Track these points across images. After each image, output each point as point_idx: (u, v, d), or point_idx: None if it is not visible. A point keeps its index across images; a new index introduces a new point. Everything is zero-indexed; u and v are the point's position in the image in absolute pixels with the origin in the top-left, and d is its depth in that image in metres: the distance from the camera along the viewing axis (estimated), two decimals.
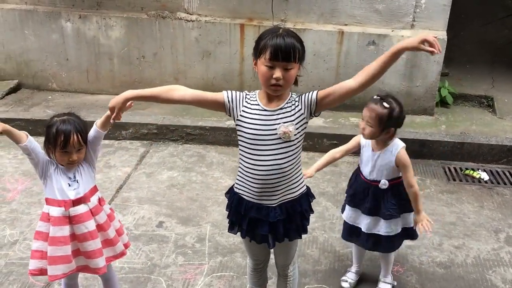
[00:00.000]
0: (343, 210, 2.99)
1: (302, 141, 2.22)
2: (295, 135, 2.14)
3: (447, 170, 4.52)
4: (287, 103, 2.15)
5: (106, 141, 4.91)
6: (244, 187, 2.27)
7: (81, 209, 2.41)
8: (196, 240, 3.44)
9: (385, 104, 2.58)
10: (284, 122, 2.13)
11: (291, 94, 2.19)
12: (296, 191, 2.28)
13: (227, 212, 2.40)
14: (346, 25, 5.15)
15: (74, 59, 5.58)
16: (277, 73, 2.04)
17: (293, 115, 2.14)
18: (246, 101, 2.19)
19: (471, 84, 5.92)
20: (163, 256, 3.27)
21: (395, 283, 3.04)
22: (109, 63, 5.54)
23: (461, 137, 4.78)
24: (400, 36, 5.01)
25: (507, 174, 4.47)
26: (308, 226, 2.40)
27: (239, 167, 2.28)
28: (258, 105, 2.17)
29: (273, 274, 3.00)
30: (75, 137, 2.33)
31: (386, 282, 3.00)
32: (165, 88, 2.24)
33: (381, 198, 2.75)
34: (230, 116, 2.22)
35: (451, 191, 4.16)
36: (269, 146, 2.15)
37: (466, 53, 6.64)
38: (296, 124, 2.14)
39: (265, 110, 2.15)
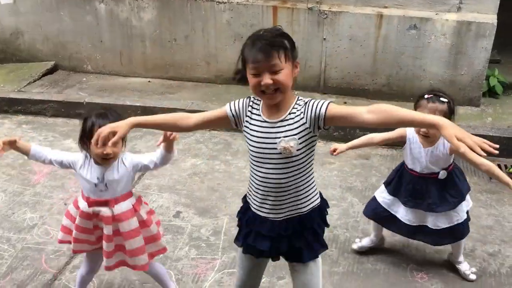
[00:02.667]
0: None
1: (311, 156, 1.97)
2: (298, 150, 1.90)
3: None
4: (289, 113, 1.91)
5: None
6: (250, 196, 2.09)
7: (104, 211, 2.40)
8: (211, 233, 3.33)
9: (443, 99, 2.60)
10: (285, 136, 1.89)
11: (297, 101, 1.93)
12: (305, 206, 2.04)
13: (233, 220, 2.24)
14: (385, 7, 4.82)
15: (108, 41, 5.57)
16: (265, 79, 1.81)
17: (295, 128, 1.89)
18: (249, 110, 1.99)
19: None
20: (176, 249, 3.19)
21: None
22: (141, 45, 5.48)
23: (509, 131, 4.40)
24: (444, 20, 4.64)
25: None
26: (324, 236, 2.15)
27: (250, 174, 2.08)
28: (260, 115, 1.96)
29: None
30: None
31: (463, 262, 2.97)
32: (173, 117, 2.07)
33: (443, 188, 2.75)
34: (237, 128, 2.03)
35: (492, 191, 3.83)
36: (270, 161, 1.93)
37: None
38: (299, 138, 1.89)
39: (266, 121, 1.93)
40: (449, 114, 2.59)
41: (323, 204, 2.14)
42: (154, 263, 2.64)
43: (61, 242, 2.61)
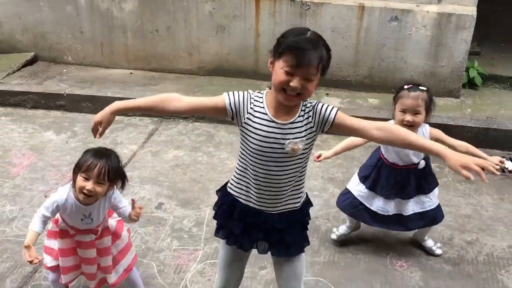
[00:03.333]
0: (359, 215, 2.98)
1: (310, 153, 2.00)
2: (303, 149, 1.92)
3: None
4: (299, 116, 1.90)
5: (116, 117, 4.81)
6: (242, 190, 2.05)
7: (87, 238, 2.42)
8: (194, 224, 3.33)
9: (422, 88, 2.67)
10: (294, 139, 1.88)
11: (304, 103, 1.92)
12: (299, 201, 2.07)
13: (214, 212, 2.21)
14: None
15: (89, 32, 5.50)
16: (296, 83, 1.76)
17: (304, 131, 1.90)
18: (251, 107, 1.91)
19: (504, 65, 5.52)
20: (158, 240, 3.19)
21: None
22: (122, 36, 5.42)
23: (487, 122, 4.47)
24: (425, 11, 4.68)
25: None
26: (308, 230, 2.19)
27: (238, 168, 2.05)
28: (266, 114, 1.89)
29: (248, 278, 2.90)
30: (102, 168, 2.24)
31: (427, 239, 3.07)
32: (159, 98, 1.96)
33: (421, 176, 2.83)
34: (232, 121, 1.96)
35: (471, 181, 3.84)
36: (274, 159, 1.92)
37: (502, 30, 6.20)
38: (306, 140, 1.91)
39: (274, 122, 1.88)
40: (429, 101, 2.67)
41: (308, 199, 2.17)
42: (132, 273, 2.65)
43: (49, 268, 2.52)
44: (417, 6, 4.73)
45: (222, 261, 2.24)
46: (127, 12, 5.29)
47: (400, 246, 3.14)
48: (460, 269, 2.99)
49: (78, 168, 2.29)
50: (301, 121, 1.90)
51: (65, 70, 5.62)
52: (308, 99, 1.92)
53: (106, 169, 2.25)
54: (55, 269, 2.51)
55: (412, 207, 2.88)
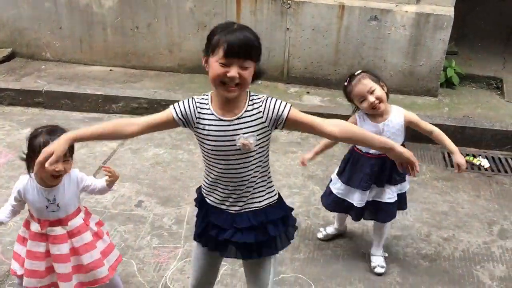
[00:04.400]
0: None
1: (267, 150, 1.99)
2: (256, 145, 1.91)
3: (446, 155, 4.31)
4: (246, 110, 1.90)
5: (95, 114, 4.81)
6: (206, 189, 2.07)
7: (58, 231, 2.33)
8: (174, 222, 3.33)
9: (356, 73, 2.70)
10: (244, 133, 1.88)
11: (250, 97, 1.93)
12: (261, 201, 2.03)
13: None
14: None
15: (67, 28, 5.44)
16: (233, 72, 1.78)
17: (254, 125, 1.89)
18: (198, 111, 1.92)
19: (480, 64, 5.64)
20: (137, 238, 3.17)
21: (386, 254, 3.02)
22: (102, 33, 5.38)
23: (464, 120, 4.55)
24: (404, 11, 4.74)
25: (510, 161, 4.25)
26: (287, 247, 2.14)
27: (204, 168, 2.05)
28: (213, 114, 1.90)
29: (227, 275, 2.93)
30: None
31: (377, 255, 2.98)
32: (112, 126, 1.94)
33: (392, 168, 2.70)
34: (186, 128, 1.97)
35: (447, 178, 3.97)
36: (228, 157, 1.92)
37: (479, 30, 6.33)
38: (257, 135, 1.90)
39: (221, 120, 1.89)
40: (374, 76, 2.67)
41: (282, 204, 2.12)
42: (115, 276, 2.58)
43: (14, 274, 2.44)
44: (396, 6, 4.79)
45: (196, 267, 2.23)
46: (107, 8, 5.24)
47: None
48: (437, 265, 3.04)
49: (34, 153, 2.15)
50: (250, 116, 1.90)
51: (43, 67, 5.55)
52: (254, 94, 1.94)
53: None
54: (20, 276, 2.41)
55: (376, 196, 2.82)
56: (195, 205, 2.18)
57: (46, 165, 1.80)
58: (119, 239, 3.15)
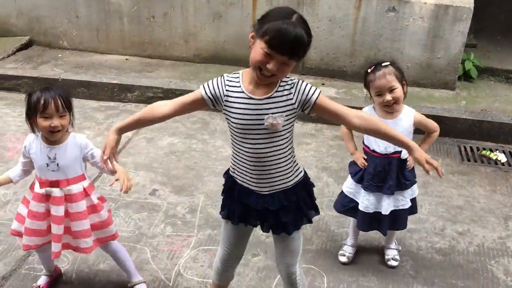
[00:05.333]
0: (341, 206, 2.89)
1: (292, 131, 2.02)
2: (283, 126, 1.93)
3: (462, 149, 4.26)
4: (276, 91, 1.91)
5: (112, 103, 4.84)
6: (237, 171, 2.09)
7: (55, 192, 2.38)
8: (187, 211, 3.35)
9: (385, 63, 2.58)
10: (273, 113, 1.90)
11: (284, 77, 1.93)
12: (290, 180, 2.06)
13: (223, 195, 2.22)
14: None
15: (85, 17, 5.46)
16: (272, 65, 1.78)
17: (283, 106, 1.91)
18: (227, 89, 1.94)
19: (499, 58, 5.55)
20: (151, 226, 3.20)
21: (400, 247, 3.01)
22: (119, 22, 5.40)
23: (481, 114, 4.49)
24: (423, 3, 4.67)
25: None
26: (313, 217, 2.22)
27: (232, 150, 2.08)
28: (243, 92, 1.91)
29: (241, 265, 2.92)
30: (57, 100, 2.24)
31: (392, 248, 2.96)
32: (146, 109, 2.03)
33: (400, 170, 2.68)
34: (215, 108, 2.00)
35: (463, 172, 3.92)
36: (256, 136, 1.94)
37: (499, 23, 6.21)
38: (286, 116, 1.92)
39: (251, 98, 1.91)
40: (399, 73, 2.56)
41: (306, 180, 2.17)
42: (112, 243, 2.60)
43: (13, 233, 2.54)
44: None
45: (225, 240, 2.27)
46: None
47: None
48: (451, 259, 3.02)
49: (32, 111, 2.26)
50: (280, 96, 1.91)
51: (60, 55, 5.60)
52: (286, 77, 1.94)
53: (60, 100, 2.25)
54: (17, 234, 2.52)
55: (389, 205, 2.73)
56: (223, 190, 2.19)
57: (104, 157, 2.00)
58: (133, 226, 3.18)
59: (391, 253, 2.95)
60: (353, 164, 2.84)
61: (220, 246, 2.33)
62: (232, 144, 2.05)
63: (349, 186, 2.85)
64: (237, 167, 2.07)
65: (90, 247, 2.47)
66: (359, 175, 2.77)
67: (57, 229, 2.41)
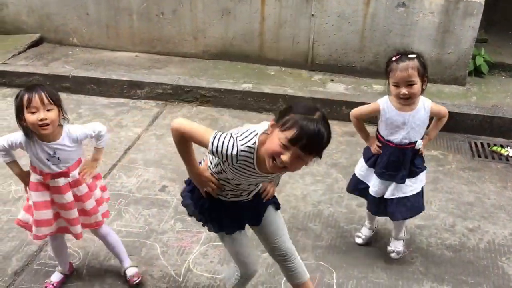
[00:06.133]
0: (356, 187, 2.92)
1: None
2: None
3: (473, 145, 4.23)
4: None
5: (122, 100, 4.86)
6: (221, 195, 2.18)
7: (60, 182, 2.42)
8: None
9: (411, 56, 2.49)
10: (270, 181, 2.18)
11: None
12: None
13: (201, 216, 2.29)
14: None
15: (94, 14, 5.48)
16: (287, 157, 1.78)
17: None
18: (236, 162, 1.90)
19: (511, 53, 5.48)
20: (161, 222, 3.22)
21: (408, 236, 3.03)
22: (128, 19, 5.41)
23: (492, 110, 4.45)
24: None
25: None
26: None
27: (212, 170, 2.15)
28: (254, 168, 1.93)
29: None
30: (40, 94, 2.26)
31: (398, 239, 2.94)
32: (186, 145, 2.10)
33: (413, 159, 2.70)
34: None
35: (474, 169, 3.90)
36: (248, 183, 2.10)
37: (510, 18, 6.13)
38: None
39: (259, 174, 1.97)
40: (422, 68, 2.49)
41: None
42: (104, 228, 2.67)
43: (18, 223, 2.56)
44: None
45: (236, 252, 2.28)
46: None
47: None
48: (461, 255, 3.00)
49: (19, 111, 2.29)
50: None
51: (70, 52, 5.62)
52: None
53: (45, 93, 2.26)
54: (23, 224, 2.54)
55: (396, 191, 2.74)
56: (201, 211, 2.26)
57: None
58: (143, 222, 3.20)
59: (395, 245, 2.92)
60: (367, 149, 2.85)
61: (235, 265, 2.35)
62: (217, 168, 2.06)
63: (361, 169, 2.87)
64: (220, 193, 2.15)
65: (102, 220, 2.61)
66: (372, 160, 2.79)
67: (72, 213, 2.47)
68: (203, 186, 2.13)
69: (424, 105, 2.61)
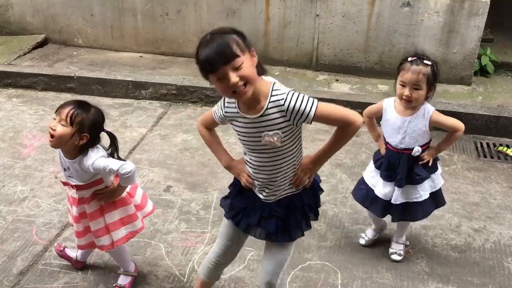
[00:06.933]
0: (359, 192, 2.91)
1: (297, 142, 1.97)
2: (283, 142, 1.90)
3: (478, 145, 4.21)
4: (267, 108, 1.84)
5: (126, 100, 4.87)
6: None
7: (71, 192, 2.47)
8: (201, 207, 3.36)
9: (427, 62, 2.48)
10: (269, 131, 1.87)
11: (273, 92, 1.85)
12: (297, 189, 2.08)
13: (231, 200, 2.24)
14: None
15: (99, 15, 5.50)
16: (232, 79, 1.71)
17: (278, 123, 1.86)
18: (226, 110, 1.97)
19: None
20: (166, 222, 3.22)
21: (408, 243, 2.99)
22: (133, 19, 5.42)
23: (498, 110, 4.43)
24: None
25: None
26: (312, 222, 2.20)
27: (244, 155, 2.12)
28: (238, 112, 1.92)
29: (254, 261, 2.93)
30: (70, 110, 2.24)
31: (399, 242, 2.95)
32: (204, 135, 2.26)
33: (411, 165, 2.68)
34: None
35: (480, 169, 3.88)
36: (259, 151, 1.95)
37: None
38: (282, 132, 1.87)
39: (246, 117, 1.89)
40: (433, 77, 2.48)
41: (316, 185, 2.15)
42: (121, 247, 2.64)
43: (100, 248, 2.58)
44: None
45: (222, 237, 2.28)
46: None
47: (407, 233, 3.14)
48: (467, 256, 2.99)
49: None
50: (272, 114, 1.85)
51: (75, 53, 5.65)
52: (278, 88, 1.86)
53: (73, 112, 2.24)
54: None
55: (398, 196, 2.74)
56: (232, 187, 2.24)
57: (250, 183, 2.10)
58: (148, 222, 3.19)
59: (396, 247, 2.93)
60: (377, 152, 2.86)
61: (216, 241, 2.33)
62: (244, 152, 2.07)
63: (370, 172, 2.87)
64: (250, 173, 2.08)
65: (107, 245, 2.52)
66: (379, 162, 2.80)
67: (76, 226, 2.52)
68: (237, 176, 2.15)
69: (425, 113, 2.58)
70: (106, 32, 5.58)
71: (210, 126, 2.20)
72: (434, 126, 2.64)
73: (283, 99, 1.83)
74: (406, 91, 2.49)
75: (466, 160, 4.00)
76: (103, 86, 4.91)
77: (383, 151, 2.76)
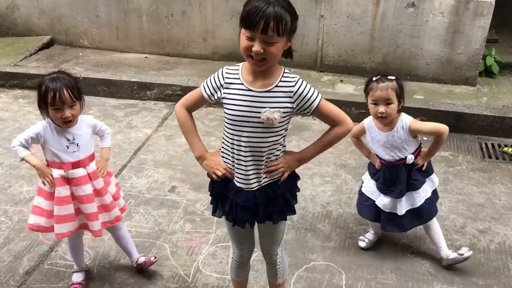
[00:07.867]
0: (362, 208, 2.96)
1: (287, 126, 2.01)
2: (279, 122, 1.93)
3: (483, 146, 4.20)
4: (277, 85, 1.90)
5: (131, 101, 4.90)
6: (229, 165, 2.07)
7: (79, 172, 2.45)
8: (206, 208, 3.37)
9: (391, 77, 2.61)
10: (271, 108, 1.89)
11: (284, 73, 1.93)
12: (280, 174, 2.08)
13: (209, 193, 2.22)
14: None
15: (104, 16, 5.53)
16: (256, 46, 1.76)
17: (282, 102, 1.90)
18: (226, 82, 1.94)
19: None
20: (171, 222, 3.23)
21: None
22: (138, 20, 5.45)
23: (503, 111, 4.42)
24: None
25: None
26: (296, 205, 2.18)
27: (222, 145, 2.08)
28: (242, 84, 1.91)
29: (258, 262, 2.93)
30: (65, 92, 2.29)
31: (441, 247, 2.90)
32: (184, 120, 2.12)
33: (409, 173, 2.77)
34: (216, 104, 2.04)
35: (484, 170, 3.87)
36: (251, 129, 1.93)
37: None
38: (283, 112, 1.91)
39: (250, 90, 1.90)
40: (400, 90, 2.60)
41: (293, 172, 2.15)
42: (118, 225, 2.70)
43: (31, 228, 2.53)
44: None
45: (230, 235, 2.32)
46: None
47: (412, 234, 3.14)
48: (472, 257, 2.97)
49: (43, 102, 2.33)
50: (279, 92, 1.90)
51: (81, 54, 5.68)
52: (288, 72, 1.94)
53: (68, 91, 2.29)
54: (36, 229, 2.53)
55: (403, 206, 2.79)
56: (214, 185, 2.16)
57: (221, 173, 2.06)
58: (153, 223, 3.22)
59: (444, 252, 2.87)
60: (371, 164, 2.93)
61: (230, 242, 2.38)
62: (224, 138, 2.03)
63: (367, 184, 2.93)
64: (229, 161, 2.05)
65: (120, 214, 2.65)
66: (377, 176, 2.88)
67: (91, 207, 2.48)
68: (210, 168, 2.08)
69: (403, 124, 2.67)
70: (111, 33, 5.61)
71: (192, 108, 2.10)
72: (416, 134, 2.74)
73: (294, 81, 1.92)
74: (381, 108, 2.59)
75: (471, 161, 3.99)
76: (108, 87, 4.93)
77: (378, 166, 2.83)
